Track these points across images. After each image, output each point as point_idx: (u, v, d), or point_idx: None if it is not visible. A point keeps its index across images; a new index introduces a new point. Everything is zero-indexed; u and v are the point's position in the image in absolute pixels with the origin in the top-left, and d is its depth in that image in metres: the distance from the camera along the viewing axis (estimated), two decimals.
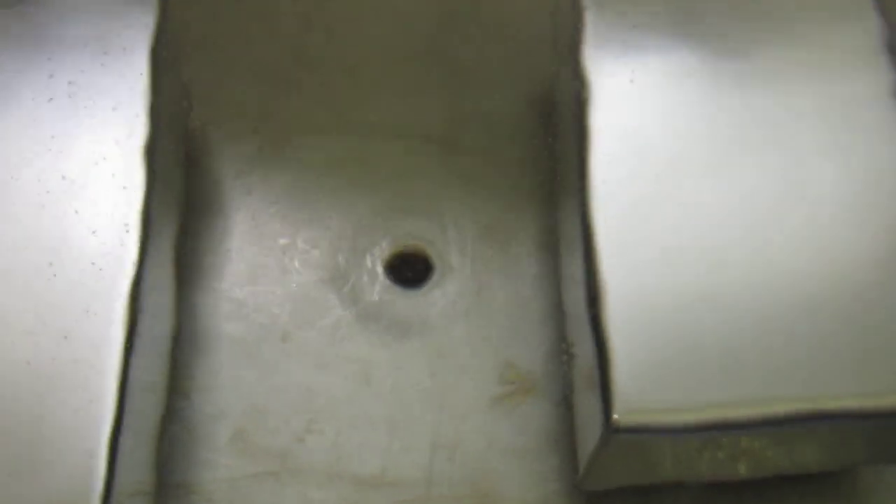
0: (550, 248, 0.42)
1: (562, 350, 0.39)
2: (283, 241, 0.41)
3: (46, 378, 0.31)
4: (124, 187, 0.34)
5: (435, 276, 0.41)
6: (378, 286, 0.41)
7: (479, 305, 0.41)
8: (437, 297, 0.41)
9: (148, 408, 0.35)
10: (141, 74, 0.36)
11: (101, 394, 0.31)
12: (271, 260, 0.41)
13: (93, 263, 0.33)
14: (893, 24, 0.38)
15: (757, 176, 0.34)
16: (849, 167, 0.34)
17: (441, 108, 0.45)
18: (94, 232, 0.33)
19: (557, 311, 0.40)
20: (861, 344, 0.31)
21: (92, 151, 0.35)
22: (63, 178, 0.34)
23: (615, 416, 0.30)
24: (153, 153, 0.35)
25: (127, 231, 0.33)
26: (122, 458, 0.31)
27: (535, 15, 0.45)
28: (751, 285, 0.32)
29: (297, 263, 0.41)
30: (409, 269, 0.42)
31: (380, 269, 0.41)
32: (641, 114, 0.35)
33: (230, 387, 0.39)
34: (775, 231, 0.33)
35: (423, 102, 0.45)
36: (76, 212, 0.34)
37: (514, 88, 0.45)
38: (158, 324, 0.36)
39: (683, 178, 0.34)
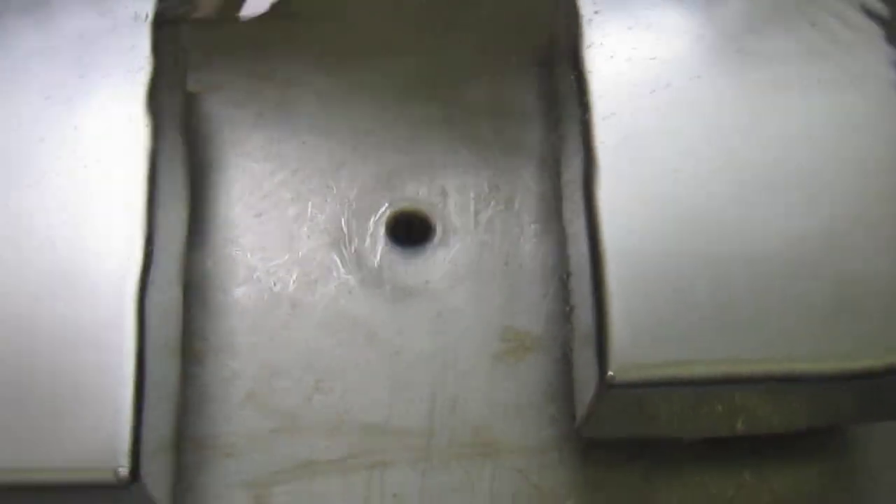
0: (552, 208, 0.43)
1: (562, 309, 0.41)
2: (291, 211, 0.43)
3: (71, 342, 0.33)
4: (130, 150, 0.36)
5: (436, 238, 0.43)
6: (380, 249, 0.43)
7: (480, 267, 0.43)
8: (439, 258, 0.43)
9: (166, 369, 0.37)
10: (143, 40, 0.37)
11: (121, 355, 0.33)
12: (278, 225, 0.43)
13: (105, 228, 0.35)
14: None
15: (752, 140, 0.36)
16: (842, 134, 0.36)
17: (441, 66, 0.46)
18: (103, 195, 0.35)
19: (558, 271, 0.42)
20: (845, 307, 0.33)
21: (99, 112, 0.36)
22: (75, 129, 0.36)
23: (610, 373, 0.32)
24: (157, 111, 0.36)
25: (134, 195, 0.35)
26: (146, 417, 0.33)
27: None
28: (744, 249, 0.33)
29: (305, 229, 0.43)
30: (412, 231, 0.43)
31: (382, 232, 0.43)
32: (642, 76, 0.37)
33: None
34: (768, 195, 0.35)
35: (422, 60, 0.46)
36: (86, 168, 0.35)
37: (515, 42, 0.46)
38: (170, 288, 0.38)
39: (682, 140, 0.36)
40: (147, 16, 0.38)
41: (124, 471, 0.31)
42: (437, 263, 0.42)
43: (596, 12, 0.38)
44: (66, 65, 0.37)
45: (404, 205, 0.43)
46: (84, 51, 0.37)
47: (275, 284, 0.42)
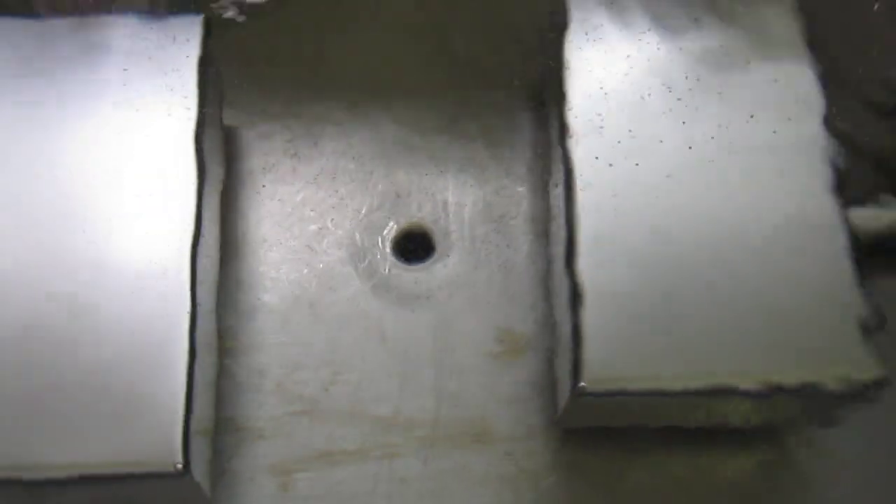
0: (540, 225, 0.49)
1: (549, 316, 0.47)
2: (312, 227, 0.49)
3: (131, 355, 0.39)
4: (180, 173, 0.41)
5: (437, 251, 0.49)
6: (389, 261, 0.48)
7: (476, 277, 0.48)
8: (440, 269, 0.49)
9: (207, 364, 0.42)
10: (190, 83, 0.43)
11: (175, 354, 0.39)
12: (298, 238, 0.49)
13: (160, 241, 0.40)
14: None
15: (700, 188, 0.41)
16: (772, 191, 0.41)
17: (445, 103, 0.51)
18: (155, 219, 0.41)
19: (545, 282, 0.47)
20: (773, 333, 0.39)
21: (154, 139, 0.42)
22: (130, 157, 0.41)
23: (582, 384, 0.38)
24: (201, 141, 0.42)
25: (184, 215, 0.41)
26: (194, 405, 0.39)
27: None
28: (696, 284, 0.39)
29: (324, 244, 0.48)
30: (416, 245, 0.49)
31: (389, 246, 0.49)
32: (617, 113, 0.43)
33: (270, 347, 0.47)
34: (718, 236, 0.40)
35: (429, 100, 0.51)
36: (139, 195, 0.41)
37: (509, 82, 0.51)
38: (209, 295, 0.44)
39: (654, 184, 0.41)
40: (193, 57, 0.43)
41: (179, 464, 0.37)
42: (438, 274, 0.48)
43: (579, 59, 0.44)
44: (121, 99, 0.42)
45: (409, 221, 0.49)
46: (136, 88, 0.42)
47: (297, 291, 0.48)
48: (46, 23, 0.42)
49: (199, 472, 0.39)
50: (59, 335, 0.39)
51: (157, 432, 0.37)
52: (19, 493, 0.38)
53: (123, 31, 0.42)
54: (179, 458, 0.37)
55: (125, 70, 0.42)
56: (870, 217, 0.46)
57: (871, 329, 0.38)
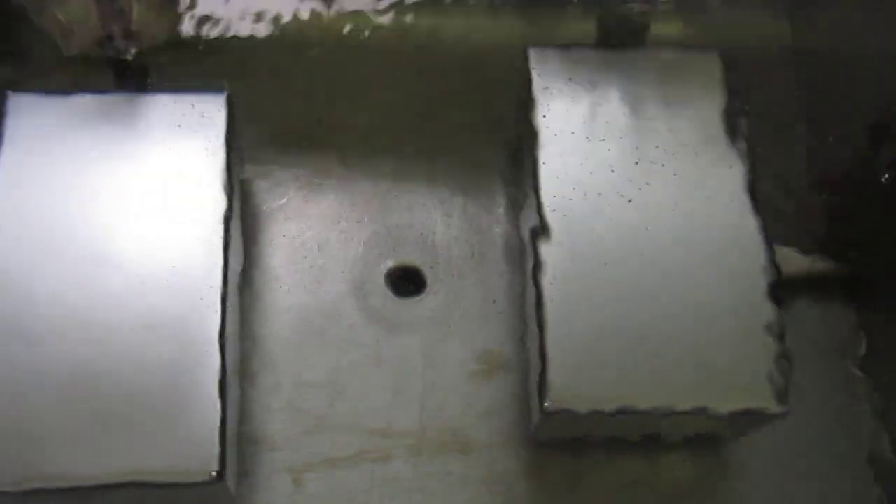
0: (516, 262, 0.56)
1: (523, 341, 0.54)
2: (319, 262, 0.56)
3: (170, 372, 0.45)
4: (209, 219, 0.48)
5: (427, 284, 0.56)
6: (385, 293, 0.56)
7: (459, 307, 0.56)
8: (428, 300, 0.56)
9: (233, 386, 0.49)
10: (218, 151, 0.50)
11: (209, 377, 0.45)
12: (305, 274, 0.56)
13: (194, 278, 0.47)
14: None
15: (652, 232, 0.49)
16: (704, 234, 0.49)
17: (433, 157, 0.59)
18: (189, 251, 0.47)
19: (521, 312, 0.54)
20: (703, 365, 0.46)
21: (189, 186, 0.49)
22: (167, 206, 0.48)
23: (547, 404, 0.46)
24: (229, 188, 0.49)
25: (215, 257, 0.47)
26: (226, 420, 0.45)
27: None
28: (641, 322, 0.47)
29: (328, 277, 0.56)
30: (408, 279, 0.56)
31: (385, 281, 0.56)
32: (582, 166, 0.50)
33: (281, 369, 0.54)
34: (662, 276, 0.48)
35: (419, 154, 0.59)
36: (177, 239, 0.48)
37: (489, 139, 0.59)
38: (232, 324, 0.50)
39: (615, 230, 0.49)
40: (220, 115, 0.50)
41: (215, 472, 0.44)
42: (426, 304, 0.55)
43: (549, 124, 0.51)
44: (160, 160, 0.49)
45: (401, 259, 0.56)
46: (172, 150, 0.49)
47: (305, 321, 0.55)
48: (93, 98, 0.49)
49: (229, 477, 0.46)
50: (110, 363, 0.45)
51: (196, 445, 0.44)
52: (74, 497, 0.45)
53: (158, 107, 0.49)
54: (216, 466, 0.44)
55: (163, 138, 0.49)
56: (794, 256, 0.55)
57: (782, 367, 0.46)
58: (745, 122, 0.52)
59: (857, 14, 0.57)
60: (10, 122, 0.48)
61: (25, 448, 0.44)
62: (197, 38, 0.61)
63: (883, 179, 0.53)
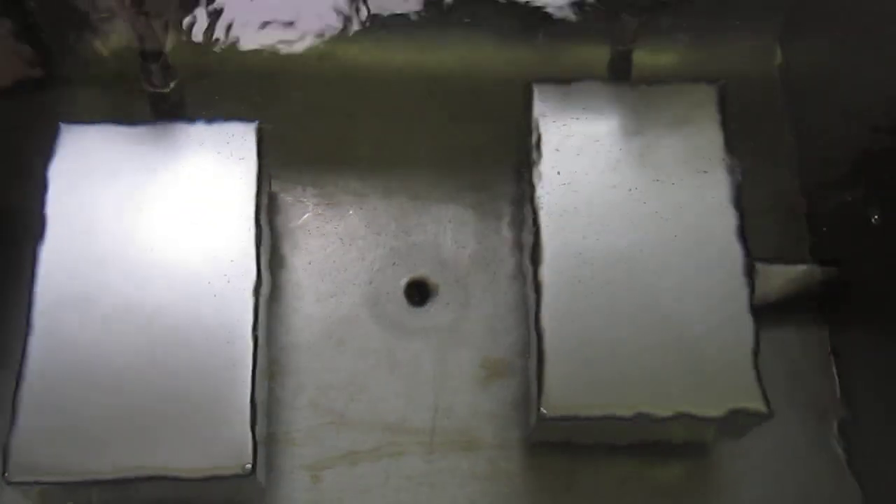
0: (519, 276, 0.61)
1: (526, 348, 0.58)
2: (340, 276, 0.61)
3: (206, 372, 0.50)
4: (243, 236, 0.53)
5: (438, 296, 0.60)
6: (399, 304, 0.61)
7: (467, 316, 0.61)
8: (439, 310, 0.61)
9: (262, 388, 0.53)
10: (249, 176, 0.55)
11: (242, 381, 0.50)
12: (327, 286, 0.61)
13: (231, 292, 0.52)
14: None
15: (646, 253, 0.53)
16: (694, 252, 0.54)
17: (445, 177, 0.63)
18: (225, 253, 0.52)
19: (525, 322, 0.58)
20: (690, 373, 0.50)
21: (226, 201, 0.54)
22: (204, 226, 0.53)
23: (543, 410, 0.50)
24: (258, 203, 0.54)
25: (248, 264, 0.52)
26: (256, 419, 0.50)
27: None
28: (631, 333, 0.51)
29: (347, 289, 0.60)
30: (420, 292, 0.61)
31: (400, 292, 0.61)
32: (578, 195, 0.55)
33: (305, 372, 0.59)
34: (656, 294, 0.52)
35: (430, 173, 0.63)
36: (213, 257, 0.52)
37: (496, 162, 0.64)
38: (262, 331, 0.55)
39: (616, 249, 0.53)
40: (251, 143, 0.55)
41: (249, 465, 0.48)
42: (438, 314, 0.60)
43: (547, 152, 0.56)
44: (197, 182, 0.54)
45: (415, 272, 0.61)
46: (208, 173, 0.54)
47: (326, 328, 0.59)
48: (136, 129, 0.54)
49: (259, 471, 0.51)
50: (153, 366, 0.50)
51: (230, 441, 0.49)
52: (116, 489, 0.49)
53: (194, 136, 0.55)
54: (250, 461, 0.48)
55: (200, 165, 0.54)
56: (777, 273, 0.59)
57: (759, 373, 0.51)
58: (736, 149, 0.56)
59: (848, 40, 0.60)
60: (61, 152, 0.54)
61: (74, 443, 0.49)
62: (224, 63, 0.66)
63: (873, 220, 0.56)
